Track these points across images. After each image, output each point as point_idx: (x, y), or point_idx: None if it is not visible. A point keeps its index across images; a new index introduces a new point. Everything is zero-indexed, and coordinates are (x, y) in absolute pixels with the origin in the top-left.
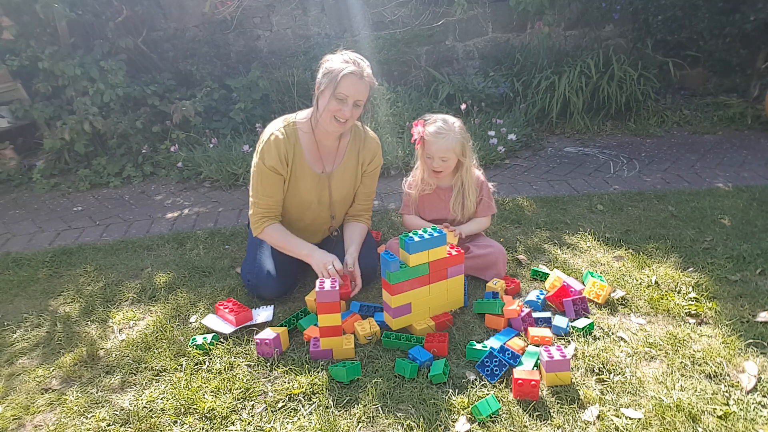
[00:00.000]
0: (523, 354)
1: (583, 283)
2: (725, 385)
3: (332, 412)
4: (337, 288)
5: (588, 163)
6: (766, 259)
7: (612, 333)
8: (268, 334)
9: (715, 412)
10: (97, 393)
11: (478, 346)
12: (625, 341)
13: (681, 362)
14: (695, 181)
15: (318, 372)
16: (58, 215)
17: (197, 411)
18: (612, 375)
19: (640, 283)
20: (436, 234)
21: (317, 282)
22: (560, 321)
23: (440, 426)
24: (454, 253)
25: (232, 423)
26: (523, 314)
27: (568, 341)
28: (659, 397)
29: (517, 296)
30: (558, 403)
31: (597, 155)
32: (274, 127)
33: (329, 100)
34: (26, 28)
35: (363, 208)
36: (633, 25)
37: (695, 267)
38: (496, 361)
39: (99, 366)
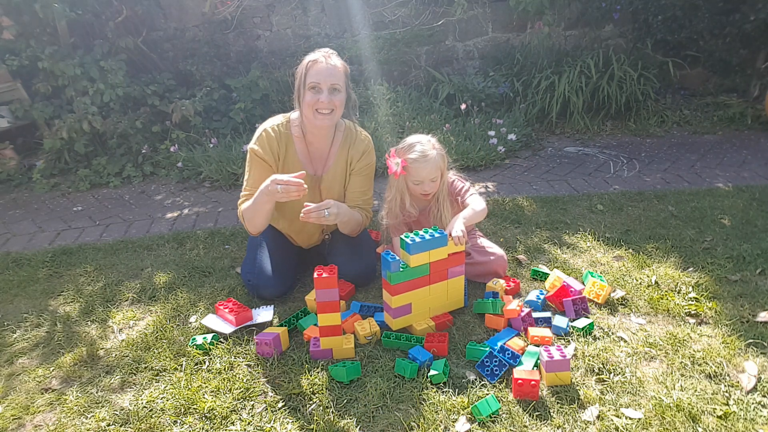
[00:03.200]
0: (523, 354)
1: (583, 283)
2: (725, 385)
3: (332, 412)
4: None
5: (588, 163)
6: (766, 259)
7: (612, 333)
8: (268, 334)
9: (715, 412)
10: (97, 393)
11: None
12: (625, 341)
13: (681, 362)
14: (695, 181)
15: (318, 372)
16: (58, 215)
17: (197, 411)
18: (612, 375)
19: (640, 283)
20: (437, 235)
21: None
22: (560, 321)
23: (440, 426)
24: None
25: (232, 423)
26: (523, 314)
27: (568, 341)
28: (659, 397)
29: (517, 296)
30: (558, 403)
31: (597, 155)
32: (269, 124)
33: (304, 94)
34: (26, 28)
35: (356, 204)
36: (633, 25)
37: (695, 267)
38: (496, 361)
39: (99, 366)
